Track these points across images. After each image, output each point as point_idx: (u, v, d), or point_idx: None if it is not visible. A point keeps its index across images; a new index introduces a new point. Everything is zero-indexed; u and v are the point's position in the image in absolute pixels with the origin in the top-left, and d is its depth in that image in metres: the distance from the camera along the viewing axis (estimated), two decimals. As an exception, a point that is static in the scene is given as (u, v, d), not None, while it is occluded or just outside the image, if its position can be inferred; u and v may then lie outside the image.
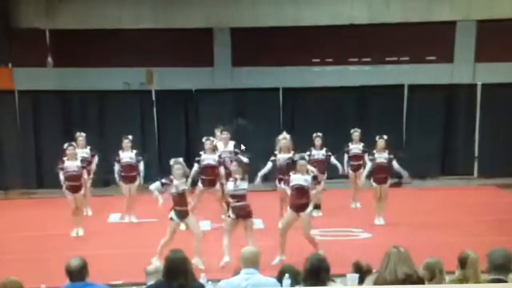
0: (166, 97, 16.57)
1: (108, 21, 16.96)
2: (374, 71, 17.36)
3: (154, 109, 16.64)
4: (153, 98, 16.61)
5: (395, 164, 12.36)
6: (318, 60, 17.62)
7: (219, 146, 12.74)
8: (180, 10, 16.88)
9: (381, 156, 12.37)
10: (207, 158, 12.24)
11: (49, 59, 17.27)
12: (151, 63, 17.07)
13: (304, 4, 17.12)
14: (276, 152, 12.27)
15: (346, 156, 13.55)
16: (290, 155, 12.04)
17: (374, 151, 12.47)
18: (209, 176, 12.20)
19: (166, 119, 16.59)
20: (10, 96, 16.39)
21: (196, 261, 9.32)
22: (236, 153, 12.51)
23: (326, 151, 12.90)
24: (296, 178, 10.03)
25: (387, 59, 17.59)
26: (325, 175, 12.90)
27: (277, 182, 12.10)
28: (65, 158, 11.92)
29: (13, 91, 16.54)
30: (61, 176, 11.90)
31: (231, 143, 12.88)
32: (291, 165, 10.90)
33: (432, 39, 17.46)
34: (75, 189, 11.84)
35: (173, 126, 16.59)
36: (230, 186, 9.97)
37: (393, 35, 17.25)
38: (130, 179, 12.93)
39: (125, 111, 16.47)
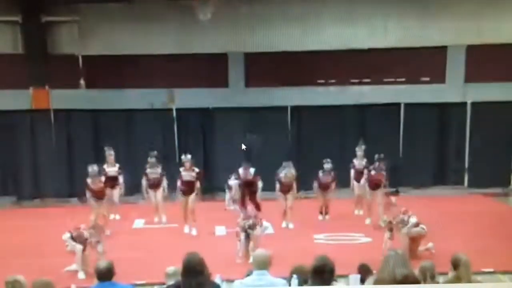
0: (186, 114, 16.60)
1: (134, 47, 17.04)
2: (373, 90, 17.30)
3: (175, 126, 16.66)
4: (174, 115, 16.64)
5: None
6: (322, 81, 17.59)
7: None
8: (198, 37, 16.93)
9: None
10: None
11: (82, 82, 17.36)
12: (173, 84, 17.12)
13: (310, 31, 17.15)
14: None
15: (352, 171, 13.66)
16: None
17: (371, 167, 12.85)
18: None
19: (185, 134, 16.60)
20: (46, 115, 16.48)
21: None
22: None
23: (333, 176, 13.19)
24: None
25: (385, 80, 17.53)
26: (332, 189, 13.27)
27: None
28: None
29: (49, 110, 16.63)
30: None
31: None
32: None
33: (425, 62, 17.43)
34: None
35: (192, 141, 16.60)
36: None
37: (391, 59, 17.22)
38: (155, 187, 13.08)
39: (149, 128, 16.50)
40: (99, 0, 16.96)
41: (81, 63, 17.32)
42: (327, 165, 13.09)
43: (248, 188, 13.12)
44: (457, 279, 5.96)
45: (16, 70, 16.74)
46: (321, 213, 13.50)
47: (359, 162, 13.60)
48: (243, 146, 13.19)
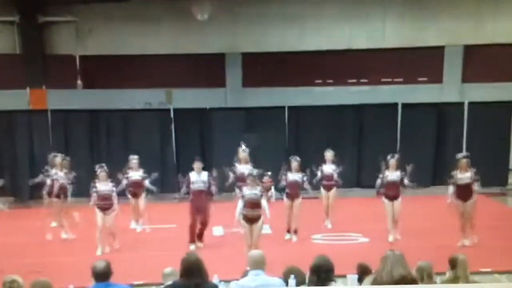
0: (183, 115, 16.60)
1: (132, 47, 17.05)
2: (371, 91, 17.33)
3: (172, 126, 16.66)
4: (172, 115, 16.63)
5: (406, 181, 11.50)
6: (320, 81, 17.60)
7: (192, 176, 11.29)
8: (196, 38, 16.95)
9: (393, 174, 11.39)
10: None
11: (79, 82, 17.36)
12: (170, 84, 17.14)
13: (307, 31, 17.17)
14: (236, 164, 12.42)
15: (319, 175, 12.56)
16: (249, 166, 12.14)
17: (386, 169, 11.42)
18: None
19: (183, 134, 16.60)
20: (43, 115, 16.47)
21: None
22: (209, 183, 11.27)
23: (303, 175, 11.71)
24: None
25: (382, 80, 17.55)
26: (300, 198, 11.69)
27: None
28: (96, 181, 10.97)
29: (46, 110, 16.62)
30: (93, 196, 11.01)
31: (204, 173, 11.35)
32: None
33: (423, 62, 17.46)
34: (105, 209, 10.92)
35: (189, 141, 16.59)
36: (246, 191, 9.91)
37: (388, 59, 17.26)
38: (136, 194, 12.46)
39: (147, 128, 16.50)
40: (96, 1, 16.95)
41: (79, 63, 17.32)
42: (294, 163, 11.65)
43: (199, 199, 11.11)
44: (454, 279, 5.97)
45: (14, 71, 16.74)
46: (288, 231, 11.75)
47: (328, 166, 12.63)
48: (244, 146, 12.93)
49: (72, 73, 17.14)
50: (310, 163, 12.68)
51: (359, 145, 16.75)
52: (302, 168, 11.83)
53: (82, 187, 12.36)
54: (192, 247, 10.98)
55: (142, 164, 12.73)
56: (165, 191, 16.04)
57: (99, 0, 16.96)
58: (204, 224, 11.29)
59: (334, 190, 12.73)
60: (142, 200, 12.51)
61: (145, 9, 16.88)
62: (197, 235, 11.24)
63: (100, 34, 17.20)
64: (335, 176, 12.61)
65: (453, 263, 6.10)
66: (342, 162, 13.19)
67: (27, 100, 16.95)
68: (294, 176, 11.64)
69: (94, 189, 10.81)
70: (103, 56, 17.22)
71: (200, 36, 16.89)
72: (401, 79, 17.56)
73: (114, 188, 11.01)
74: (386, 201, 11.41)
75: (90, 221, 11.29)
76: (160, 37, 17.07)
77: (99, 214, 10.85)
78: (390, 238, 11.32)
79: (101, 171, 10.94)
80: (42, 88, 16.95)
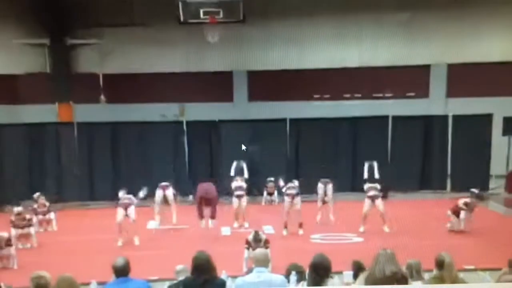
0: (195, 126, 16.62)
1: (149, 66, 17.12)
2: (363, 105, 17.29)
3: (185, 136, 16.67)
4: (184, 127, 16.65)
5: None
6: (318, 96, 17.60)
7: None
8: (206, 57, 16.99)
9: (372, 187, 12.13)
10: None
11: (102, 97, 17.42)
12: (183, 99, 17.18)
13: (306, 51, 17.18)
14: None
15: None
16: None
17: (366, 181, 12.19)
18: None
19: (194, 144, 16.60)
20: (70, 127, 16.52)
21: None
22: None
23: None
24: None
25: (374, 95, 17.53)
26: (299, 197, 12.23)
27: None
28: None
29: (72, 123, 16.70)
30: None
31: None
32: None
33: (411, 79, 17.45)
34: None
35: (200, 150, 16.60)
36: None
37: (380, 76, 17.24)
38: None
39: (162, 138, 16.51)
40: (118, 25, 17.06)
41: (102, 81, 17.39)
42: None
43: (204, 199, 12.10)
44: (441, 278, 5.89)
45: (44, 87, 16.87)
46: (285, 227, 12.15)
47: (322, 193, 12.79)
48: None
49: (96, 90, 17.21)
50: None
51: (353, 154, 16.67)
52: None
53: (105, 191, 12.44)
54: (202, 223, 11.77)
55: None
56: (178, 195, 16.03)
57: (120, 25, 17.05)
58: (213, 212, 11.88)
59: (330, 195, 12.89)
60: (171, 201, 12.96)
61: (162, 32, 16.95)
62: (210, 216, 11.82)
63: (121, 55, 17.30)
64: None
65: (439, 264, 6.02)
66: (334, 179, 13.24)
67: (56, 113, 17.03)
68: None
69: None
70: (124, 74, 17.30)
71: (210, 56, 16.94)
72: (391, 94, 17.55)
73: (134, 199, 11.72)
74: (366, 200, 12.06)
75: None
76: (174, 57, 17.15)
77: (120, 211, 11.42)
78: (361, 229, 11.87)
79: (123, 196, 11.74)
80: (69, 103, 17.03)
